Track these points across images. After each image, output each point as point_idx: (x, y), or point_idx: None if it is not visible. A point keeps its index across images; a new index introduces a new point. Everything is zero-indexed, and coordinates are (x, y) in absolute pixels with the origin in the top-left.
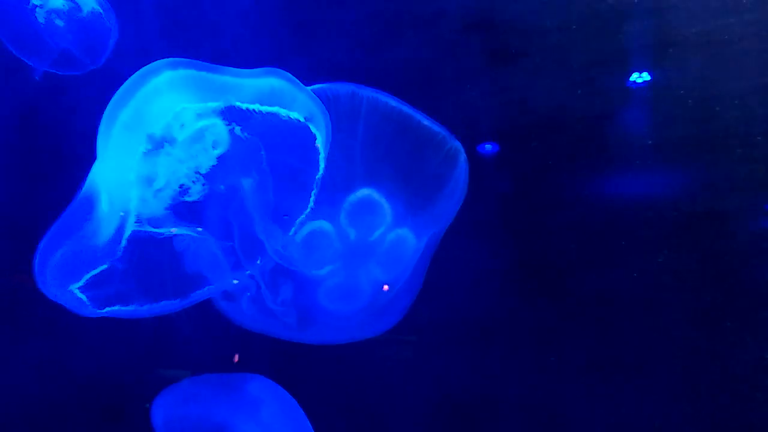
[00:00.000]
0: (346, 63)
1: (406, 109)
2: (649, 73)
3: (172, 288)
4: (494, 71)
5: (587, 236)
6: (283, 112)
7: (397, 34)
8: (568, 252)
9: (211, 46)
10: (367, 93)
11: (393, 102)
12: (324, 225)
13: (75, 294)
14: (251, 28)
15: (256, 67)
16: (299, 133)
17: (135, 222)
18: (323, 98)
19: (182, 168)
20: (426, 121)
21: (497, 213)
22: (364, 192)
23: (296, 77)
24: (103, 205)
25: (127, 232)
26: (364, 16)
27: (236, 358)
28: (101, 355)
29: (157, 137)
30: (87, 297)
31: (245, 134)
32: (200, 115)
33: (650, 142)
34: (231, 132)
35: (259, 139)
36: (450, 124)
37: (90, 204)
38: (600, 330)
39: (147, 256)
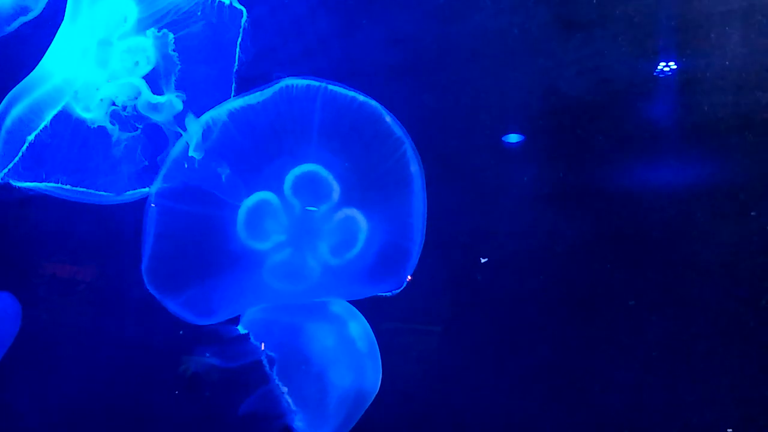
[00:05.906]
0: (419, 33)
1: (367, 107)
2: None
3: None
4: (569, 41)
5: (663, 212)
6: None
7: (471, 3)
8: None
9: (278, 20)
10: (325, 87)
11: (351, 99)
12: (268, 196)
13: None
14: None
15: (331, 39)
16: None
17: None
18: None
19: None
20: (384, 123)
21: (566, 183)
22: (311, 167)
23: (370, 48)
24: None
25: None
26: None
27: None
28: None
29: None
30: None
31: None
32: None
33: (723, 113)
34: (158, 44)
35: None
36: (524, 94)
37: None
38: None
39: (85, 145)
